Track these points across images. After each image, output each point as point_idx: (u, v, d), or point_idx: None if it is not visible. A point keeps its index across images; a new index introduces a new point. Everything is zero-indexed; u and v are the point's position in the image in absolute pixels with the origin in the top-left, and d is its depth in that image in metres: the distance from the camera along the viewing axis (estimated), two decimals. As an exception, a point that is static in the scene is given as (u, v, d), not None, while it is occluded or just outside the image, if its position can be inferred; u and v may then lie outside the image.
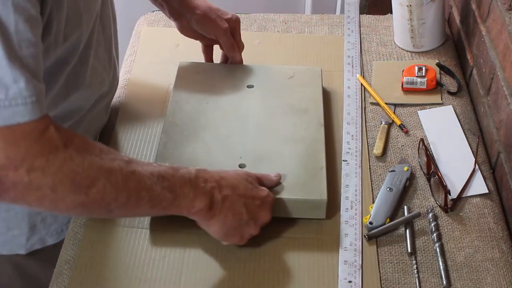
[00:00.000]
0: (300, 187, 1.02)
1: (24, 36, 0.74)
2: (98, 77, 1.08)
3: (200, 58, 1.29)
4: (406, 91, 1.26)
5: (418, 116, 1.22)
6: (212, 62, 1.28)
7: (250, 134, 1.10)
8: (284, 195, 1.01)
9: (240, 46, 1.24)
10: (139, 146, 1.14)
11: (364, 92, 1.26)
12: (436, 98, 1.25)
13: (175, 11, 1.22)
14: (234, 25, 1.22)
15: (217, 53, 1.28)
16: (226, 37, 1.21)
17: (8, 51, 0.72)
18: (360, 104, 1.23)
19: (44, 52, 0.84)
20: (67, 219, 1.10)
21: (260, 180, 1.00)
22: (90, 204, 0.82)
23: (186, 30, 1.24)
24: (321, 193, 1.01)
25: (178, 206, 0.89)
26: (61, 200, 0.80)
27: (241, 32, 1.23)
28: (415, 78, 1.25)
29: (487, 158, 1.15)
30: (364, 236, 1.00)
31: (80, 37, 0.96)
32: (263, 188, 0.98)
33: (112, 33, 1.13)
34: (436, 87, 1.26)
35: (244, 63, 1.25)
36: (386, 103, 1.23)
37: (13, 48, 0.73)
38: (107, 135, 1.17)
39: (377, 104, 1.24)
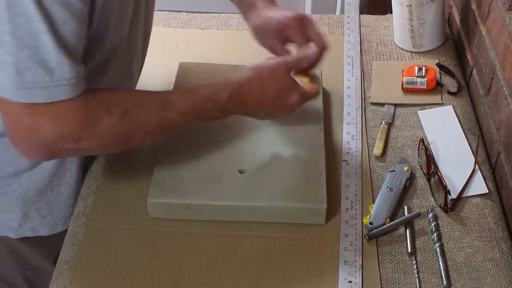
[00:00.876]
0: (300, 194, 1.01)
1: (69, 27, 0.84)
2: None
3: (200, 58, 1.28)
4: (406, 91, 1.26)
5: (418, 116, 1.22)
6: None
7: (250, 139, 1.10)
8: (284, 202, 1.00)
9: (312, 40, 1.11)
10: (138, 148, 1.13)
11: (364, 92, 1.27)
12: (436, 98, 1.25)
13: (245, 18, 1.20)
14: (294, 24, 1.11)
15: (216, 53, 1.28)
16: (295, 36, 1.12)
17: (56, 40, 0.83)
18: (360, 104, 1.23)
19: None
20: (63, 214, 1.11)
21: (297, 67, 1.06)
22: (130, 147, 0.99)
23: None
24: (320, 200, 1.00)
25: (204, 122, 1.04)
26: (106, 151, 1.05)
27: (241, 32, 1.20)
28: (415, 78, 1.25)
29: (487, 158, 1.15)
30: (364, 236, 1.00)
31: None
32: (291, 96, 1.02)
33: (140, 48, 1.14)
34: (436, 87, 1.26)
35: (244, 63, 1.25)
36: (386, 103, 1.23)
37: (60, 38, 0.84)
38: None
39: (377, 104, 1.24)
